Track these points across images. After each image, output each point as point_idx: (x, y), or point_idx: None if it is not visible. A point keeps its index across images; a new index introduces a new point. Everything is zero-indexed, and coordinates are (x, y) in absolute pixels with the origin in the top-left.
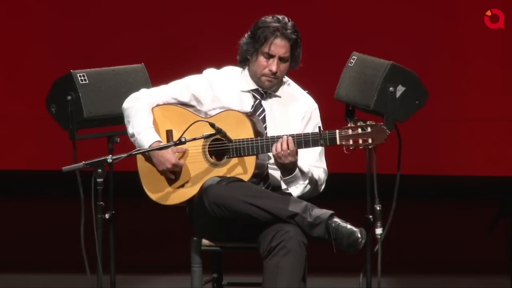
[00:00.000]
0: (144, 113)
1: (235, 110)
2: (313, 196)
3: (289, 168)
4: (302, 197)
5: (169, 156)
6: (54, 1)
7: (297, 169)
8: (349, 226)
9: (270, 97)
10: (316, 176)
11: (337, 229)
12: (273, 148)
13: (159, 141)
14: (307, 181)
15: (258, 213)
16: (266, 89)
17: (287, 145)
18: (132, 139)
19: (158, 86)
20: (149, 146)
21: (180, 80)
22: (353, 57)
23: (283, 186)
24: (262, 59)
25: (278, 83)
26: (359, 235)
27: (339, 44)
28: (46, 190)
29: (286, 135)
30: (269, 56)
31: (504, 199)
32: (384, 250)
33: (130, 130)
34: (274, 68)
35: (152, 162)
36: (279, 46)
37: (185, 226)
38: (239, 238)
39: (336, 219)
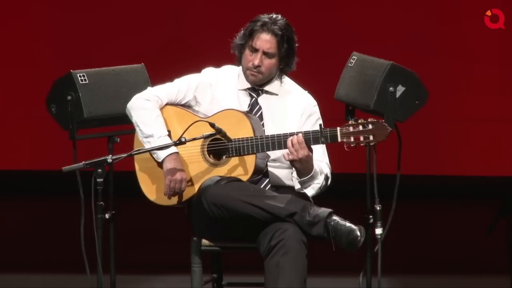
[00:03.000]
0: (161, 118)
1: (234, 109)
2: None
3: (305, 166)
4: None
5: (182, 177)
6: (54, 1)
7: (314, 169)
8: (348, 224)
9: (267, 95)
10: (325, 171)
11: (336, 227)
12: (286, 154)
13: (177, 153)
14: (321, 180)
15: (257, 213)
16: (252, 84)
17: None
18: (146, 139)
19: (162, 85)
20: (167, 157)
21: (182, 79)
22: (353, 57)
23: (297, 186)
24: (248, 53)
25: (264, 79)
26: (358, 233)
27: (339, 44)
28: (46, 190)
29: (290, 133)
30: (254, 50)
31: (504, 199)
32: (384, 250)
33: (148, 131)
34: (256, 62)
35: (159, 165)
36: (264, 41)
37: (185, 226)
38: (239, 238)
39: (335, 217)
